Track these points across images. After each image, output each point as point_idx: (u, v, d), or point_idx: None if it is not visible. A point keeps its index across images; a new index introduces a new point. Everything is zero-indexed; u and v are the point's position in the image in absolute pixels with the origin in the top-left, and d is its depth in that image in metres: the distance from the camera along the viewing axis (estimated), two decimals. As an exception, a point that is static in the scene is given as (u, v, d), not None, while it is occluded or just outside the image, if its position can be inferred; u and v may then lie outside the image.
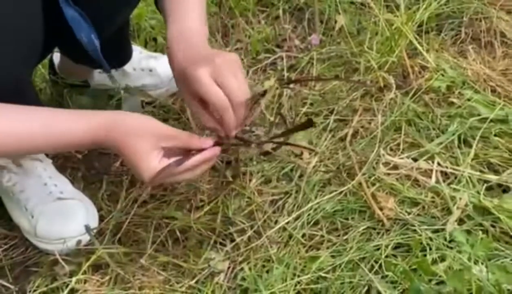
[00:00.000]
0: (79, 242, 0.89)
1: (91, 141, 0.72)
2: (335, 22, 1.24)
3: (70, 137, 0.71)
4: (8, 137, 0.68)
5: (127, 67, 1.14)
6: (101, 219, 0.93)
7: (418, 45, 1.12)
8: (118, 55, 1.09)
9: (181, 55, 0.75)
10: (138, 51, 1.17)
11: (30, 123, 0.69)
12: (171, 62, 0.78)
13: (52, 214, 0.91)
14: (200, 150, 0.73)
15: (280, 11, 1.31)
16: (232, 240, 0.86)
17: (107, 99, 1.14)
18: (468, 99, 1.02)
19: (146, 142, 0.71)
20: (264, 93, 1.05)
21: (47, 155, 0.98)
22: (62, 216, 0.90)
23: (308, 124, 0.82)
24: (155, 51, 1.27)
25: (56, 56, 1.17)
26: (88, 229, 0.87)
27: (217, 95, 0.71)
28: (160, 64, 1.17)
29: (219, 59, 0.72)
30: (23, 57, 0.72)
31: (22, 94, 0.75)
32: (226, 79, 0.71)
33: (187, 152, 0.73)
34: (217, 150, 0.75)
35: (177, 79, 0.78)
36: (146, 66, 1.16)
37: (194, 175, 0.75)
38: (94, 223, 0.91)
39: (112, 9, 0.87)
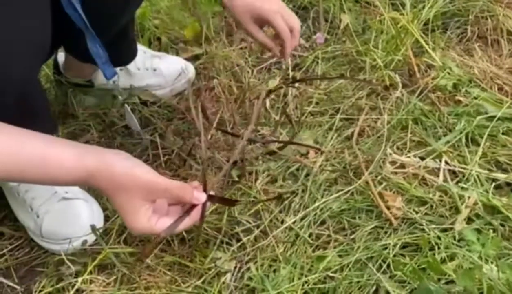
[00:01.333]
0: (84, 242, 0.88)
1: (79, 183, 0.72)
2: (340, 21, 1.24)
3: (57, 174, 0.68)
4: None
5: (131, 67, 1.14)
6: (107, 219, 0.93)
7: (424, 44, 1.12)
8: (122, 54, 1.09)
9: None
10: (142, 51, 1.17)
11: (23, 154, 0.66)
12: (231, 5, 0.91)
13: (58, 214, 0.90)
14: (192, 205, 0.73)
15: (285, 10, 1.30)
16: (239, 240, 0.86)
17: (112, 99, 1.14)
18: (475, 98, 1.02)
19: (134, 200, 0.69)
20: (269, 93, 1.05)
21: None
22: (67, 216, 0.90)
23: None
24: (159, 50, 1.26)
25: (61, 56, 1.16)
26: (94, 228, 0.86)
27: (284, 25, 0.92)
28: (164, 64, 1.17)
29: (281, 3, 0.94)
30: (32, 56, 0.71)
31: (30, 91, 0.75)
32: (289, 16, 0.93)
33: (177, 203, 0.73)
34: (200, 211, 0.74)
35: (241, 9, 0.91)
36: (150, 66, 1.16)
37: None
38: (99, 223, 0.91)
39: (116, 8, 0.86)
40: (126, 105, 1.07)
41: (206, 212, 0.76)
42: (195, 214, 0.73)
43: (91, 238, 0.88)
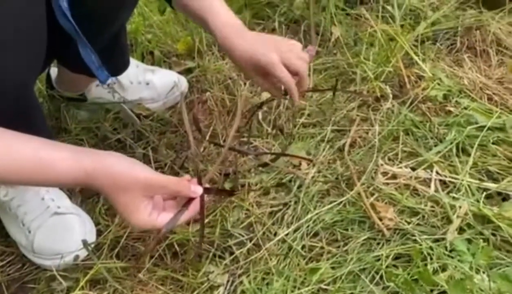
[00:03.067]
0: (76, 257, 0.88)
1: (78, 184, 0.71)
2: (331, 33, 1.25)
3: (56, 176, 0.69)
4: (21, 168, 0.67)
5: (124, 80, 1.15)
6: (99, 233, 0.92)
7: (414, 55, 1.13)
8: (115, 63, 1.09)
9: (242, 41, 0.87)
10: (135, 65, 1.17)
11: (23, 157, 0.67)
12: (231, 48, 0.87)
13: (50, 229, 0.90)
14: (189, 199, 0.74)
15: (276, 24, 1.32)
16: (231, 253, 0.85)
17: (104, 113, 1.14)
18: (465, 108, 1.03)
19: (133, 197, 0.70)
20: (261, 105, 1.06)
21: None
22: (59, 231, 0.90)
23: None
24: (152, 64, 1.27)
25: (53, 71, 1.17)
26: (85, 244, 0.86)
27: (286, 75, 0.86)
28: (157, 77, 1.17)
29: (280, 45, 0.88)
30: (28, 64, 0.72)
31: (26, 102, 0.75)
32: (291, 60, 0.87)
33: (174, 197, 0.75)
34: (199, 203, 0.76)
35: (241, 59, 0.87)
36: (143, 79, 1.16)
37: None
38: (91, 237, 0.91)
39: (106, 14, 0.87)
40: (123, 105, 1.07)
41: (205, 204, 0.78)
42: (193, 207, 0.75)
43: (83, 253, 0.88)
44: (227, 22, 0.88)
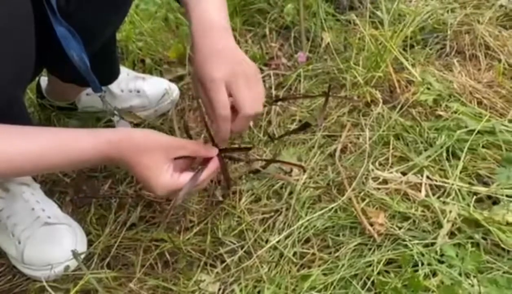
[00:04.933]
0: (67, 267, 0.87)
1: (101, 157, 0.72)
2: (321, 39, 1.26)
3: (79, 153, 0.71)
4: (20, 156, 0.68)
5: (115, 88, 1.14)
6: (90, 243, 0.92)
7: (403, 60, 1.13)
8: (105, 72, 1.09)
9: (200, 45, 0.74)
10: (125, 73, 1.17)
11: (42, 141, 0.70)
12: (195, 47, 0.76)
13: (40, 240, 0.90)
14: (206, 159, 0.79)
15: (267, 30, 1.32)
16: (223, 261, 0.85)
17: (95, 122, 1.14)
18: (455, 112, 1.03)
19: (156, 158, 0.73)
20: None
21: (35, 179, 0.97)
22: (49, 242, 0.89)
23: (306, 126, 0.92)
24: (144, 72, 1.27)
25: (43, 80, 1.17)
26: (75, 254, 0.85)
27: (223, 106, 0.73)
28: (148, 85, 1.17)
29: (239, 69, 0.73)
30: (16, 75, 0.72)
31: (15, 113, 0.75)
32: (240, 91, 0.73)
33: (193, 159, 0.79)
34: (218, 161, 0.80)
35: (196, 67, 0.75)
36: (134, 87, 1.16)
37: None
38: (82, 247, 0.90)
39: (99, 19, 0.87)
40: (116, 117, 1.07)
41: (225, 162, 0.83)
42: (212, 165, 0.79)
43: (74, 263, 0.88)
44: (202, 18, 0.76)
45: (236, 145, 1.03)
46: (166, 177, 0.73)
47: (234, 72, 0.72)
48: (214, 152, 0.80)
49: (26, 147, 0.68)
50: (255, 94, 0.74)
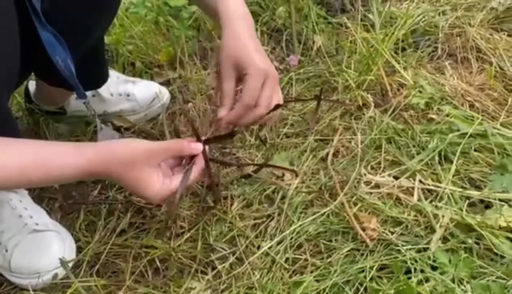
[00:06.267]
0: (55, 275, 0.86)
1: (83, 175, 0.71)
2: (313, 42, 1.25)
3: (60, 172, 0.69)
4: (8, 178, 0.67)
5: (104, 92, 1.13)
6: (79, 250, 0.90)
7: (395, 63, 1.13)
8: (93, 77, 1.07)
9: (238, 41, 0.80)
10: (115, 77, 1.16)
11: (23, 157, 0.68)
12: (225, 39, 0.81)
13: (27, 247, 0.88)
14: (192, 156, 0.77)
15: (259, 33, 1.31)
16: (214, 268, 0.84)
17: (84, 126, 1.12)
18: (447, 115, 1.03)
19: (142, 169, 0.72)
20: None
21: (23, 186, 0.96)
22: (37, 249, 0.88)
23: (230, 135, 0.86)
24: (134, 75, 1.26)
25: (32, 84, 1.15)
26: (63, 262, 0.84)
27: (252, 97, 0.79)
28: (138, 89, 1.16)
29: (272, 72, 0.81)
30: (0, 79, 0.70)
31: (0, 116, 0.74)
32: (268, 92, 0.81)
33: (180, 159, 0.77)
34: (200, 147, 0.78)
35: (225, 58, 0.80)
36: (124, 91, 1.15)
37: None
38: (71, 254, 0.89)
39: (85, 21, 0.86)
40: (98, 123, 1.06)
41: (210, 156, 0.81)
42: (199, 161, 0.77)
43: (62, 271, 0.86)
44: (236, 13, 0.81)
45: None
46: (157, 185, 0.72)
47: (270, 75, 0.81)
48: (199, 147, 0.78)
49: (5, 163, 0.66)
50: (278, 97, 0.83)
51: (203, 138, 0.79)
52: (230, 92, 0.81)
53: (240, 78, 0.81)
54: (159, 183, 0.73)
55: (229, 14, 0.82)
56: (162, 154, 0.74)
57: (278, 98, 0.83)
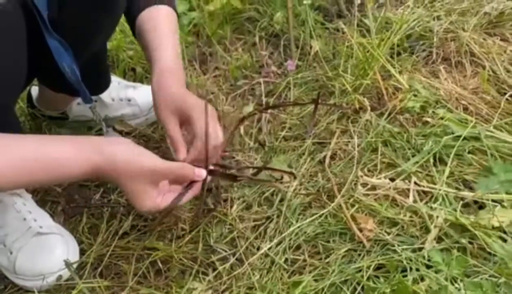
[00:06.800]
0: (59, 277, 0.88)
1: (89, 175, 0.73)
2: (310, 47, 1.27)
3: (63, 173, 0.72)
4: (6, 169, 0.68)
5: (106, 97, 1.15)
6: (82, 252, 0.92)
7: (390, 68, 1.15)
8: (96, 83, 1.10)
9: (173, 90, 0.85)
10: (116, 82, 1.18)
11: (23, 150, 0.69)
12: (158, 91, 0.86)
13: (32, 250, 0.90)
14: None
15: (257, 38, 1.34)
16: (214, 269, 0.86)
17: (86, 131, 1.14)
18: (442, 118, 1.05)
19: (140, 184, 0.74)
20: (242, 120, 1.07)
21: (27, 190, 0.98)
22: (41, 251, 0.89)
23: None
24: (134, 81, 1.28)
25: (34, 89, 1.17)
26: (67, 264, 0.85)
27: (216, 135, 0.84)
28: (139, 94, 1.18)
29: (204, 105, 0.84)
30: (7, 85, 0.72)
31: (5, 122, 0.76)
32: (213, 122, 0.85)
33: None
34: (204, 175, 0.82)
35: (162, 99, 0.85)
36: (125, 96, 1.17)
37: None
38: (74, 257, 0.90)
39: (91, 28, 0.89)
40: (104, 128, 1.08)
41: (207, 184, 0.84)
42: (197, 188, 0.81)
43: (66, 273, 0.88)
44: (167, 67, 0.87)
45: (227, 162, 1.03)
46: (148, 203, 0.76)
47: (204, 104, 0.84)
48: (202, 175, 0.81)
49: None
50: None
51: (209, 168, 0.82)
52: (179, 137, 0.85)
53: (182, 122, 0.85)
54: (151, 201, 0.76)
55: (160, 64, 0.87)
56: (166, 175, 0.77)
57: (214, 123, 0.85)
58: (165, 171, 0.76)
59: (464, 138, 0.99)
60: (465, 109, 1.09)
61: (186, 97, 0.85)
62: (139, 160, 0.74)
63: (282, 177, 1.00)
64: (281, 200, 0.95)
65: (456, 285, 0.73)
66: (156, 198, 0.76)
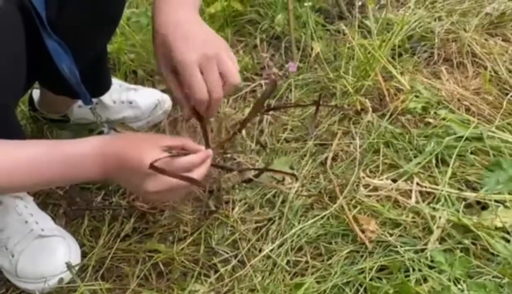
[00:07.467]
0: (61, 280, 0.87)
1: (96, 178, 0.75)
2: (311, 49, 1.27)
3: (78, 170, 0.73)
4: (17, 169, 0.69)
5: (107, 100, 1.15)
6: (84, 255, 0.92)
7: (392, 69, 1.15)
8: (97, 84, 1.10)
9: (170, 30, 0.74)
10: (117, 85, 1.18)
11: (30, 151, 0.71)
12: (154, 23, 0.76)
13: (33, 252, 0.90)
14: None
15: (258, 40, 1.34)
16: (216, 271, 0.86)
17: (88, 134, 1.14)
18: (443, 119, 1.05)
19: (147, 142, 0.75)
20: (244, 122, 1.06)
21: (28, 192, 0.98)
22: (43, 254, 0.89)
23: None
24: (136, 83, 1.28)
25: (36, 93, 1.17)
26: (69, 266, 0.85)
27: (200, 90, 0.74)
28: (140, 96, 1.18)
29: (210, 52, 0.73)
30: (6, 85, 0.72)
31: (7, 125, 0.76)
32: (212, 74, 0.74)
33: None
34: (211, 152, 0.79)
35: (158, 49, 0.76)
36: (126, 98, 1.17)
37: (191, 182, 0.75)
38: (76, 259, 0.90)
39: (90, 31, 0.88)
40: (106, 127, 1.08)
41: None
42: (203, 153, 0.77)
43: (68, 276, 0.88)
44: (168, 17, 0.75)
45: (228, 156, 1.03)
46: (155, 155, 0.70)
47: (207, 55, 0.73)
48: (203, 148, 0.79)
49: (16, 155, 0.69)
50: (228, 70, 0.74)
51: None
52: (177, 94, 0.80)
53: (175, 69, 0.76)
54: (154, 153, 0.72)
55: (161, 20, 0.76)
56: (165, 139, 0.77)
57: (227, 66, 0.74)
58: (169, 142, 0.76)
59: (466, 139, 0.99)
60: (467, 110, 1.08)
61: (170, 43, 0.73)
62: (143, 134, 0.78)
63: (283, 179, 1.00)
64: (283, 202, 0.95)
65: (459, 286, 0.73)
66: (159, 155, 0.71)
